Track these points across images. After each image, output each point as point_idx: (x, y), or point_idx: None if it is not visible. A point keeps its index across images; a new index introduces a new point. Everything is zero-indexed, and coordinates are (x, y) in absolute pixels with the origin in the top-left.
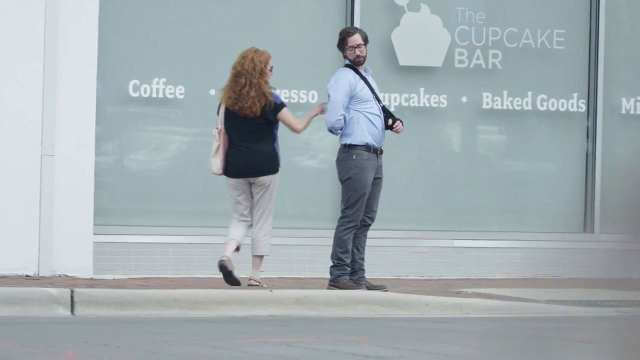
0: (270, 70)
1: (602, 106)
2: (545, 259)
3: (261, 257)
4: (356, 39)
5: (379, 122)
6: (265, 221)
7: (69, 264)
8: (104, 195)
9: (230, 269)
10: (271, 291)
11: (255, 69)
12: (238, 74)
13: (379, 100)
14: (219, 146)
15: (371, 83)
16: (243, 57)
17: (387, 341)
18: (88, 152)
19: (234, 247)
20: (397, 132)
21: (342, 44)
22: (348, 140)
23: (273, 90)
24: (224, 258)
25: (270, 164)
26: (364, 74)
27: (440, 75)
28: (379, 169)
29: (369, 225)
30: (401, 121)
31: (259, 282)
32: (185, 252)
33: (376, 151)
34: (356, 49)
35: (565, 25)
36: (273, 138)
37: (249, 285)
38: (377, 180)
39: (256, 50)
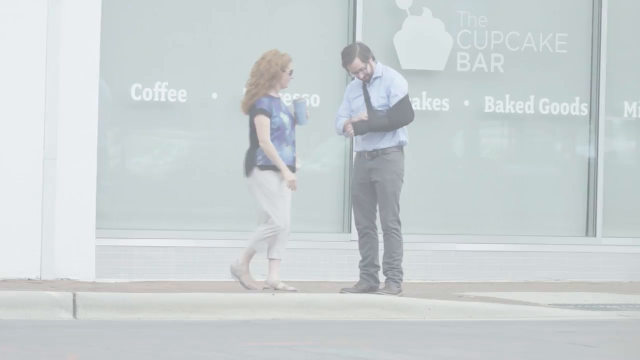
0: (290, 74)
1: (605, 110)
2: None
3: (274, 260)
4: (355, 66)
5: None
6: (264, 223)
7: (71, 267)
8: (106, 199)
9: (237, 275)
10: (273, 295)
11: (269, 70)
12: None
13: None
14: None
15: (371, 95)
16: (262, 57)
17: (390, 345)
18: (90, 156)
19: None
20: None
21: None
22: None
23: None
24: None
25: (247, 166)
26: (368, 86)
27: (443, 79)
28: (372, 171)
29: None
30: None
31: (269, 285)
32: (187, 255)
33: (363, 154)
34: (359, 73)
35: (568, 29)
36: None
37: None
38: (375, 183)
39: (276, 53)
